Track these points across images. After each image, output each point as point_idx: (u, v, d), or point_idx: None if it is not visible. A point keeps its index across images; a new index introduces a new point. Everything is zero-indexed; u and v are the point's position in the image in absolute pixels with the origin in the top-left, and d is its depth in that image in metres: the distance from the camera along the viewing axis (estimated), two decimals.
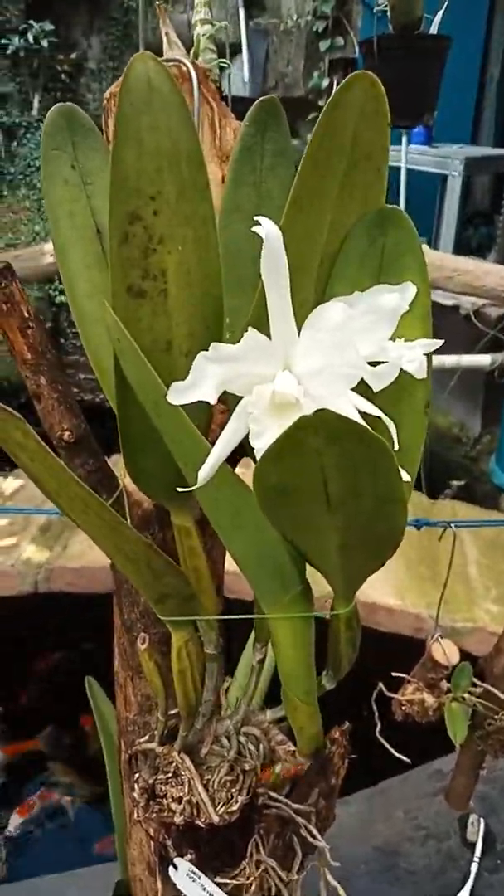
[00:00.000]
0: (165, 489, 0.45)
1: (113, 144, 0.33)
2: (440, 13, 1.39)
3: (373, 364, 0.35)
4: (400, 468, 0.31)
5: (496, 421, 2.28)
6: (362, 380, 0.34)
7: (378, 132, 0.36)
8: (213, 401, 0.32)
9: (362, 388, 0.34)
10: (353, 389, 0.34)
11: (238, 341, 0.42)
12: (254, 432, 0.32)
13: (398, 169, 2.89)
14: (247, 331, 0.46)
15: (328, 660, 0.48)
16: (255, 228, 0.34)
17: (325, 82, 2.98)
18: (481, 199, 3.13)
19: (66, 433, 0.45)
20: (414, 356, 0.36)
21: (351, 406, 0.34)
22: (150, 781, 0.53)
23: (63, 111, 0.41)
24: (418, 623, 1.67)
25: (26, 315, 0.43)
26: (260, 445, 0.32)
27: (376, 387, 0.32)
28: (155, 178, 0.34)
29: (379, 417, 0.35)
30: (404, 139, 2.87)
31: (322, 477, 0.30)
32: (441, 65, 1.46)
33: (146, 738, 0.56)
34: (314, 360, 0.34)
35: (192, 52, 0.68)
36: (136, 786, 0.54)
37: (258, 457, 0.32)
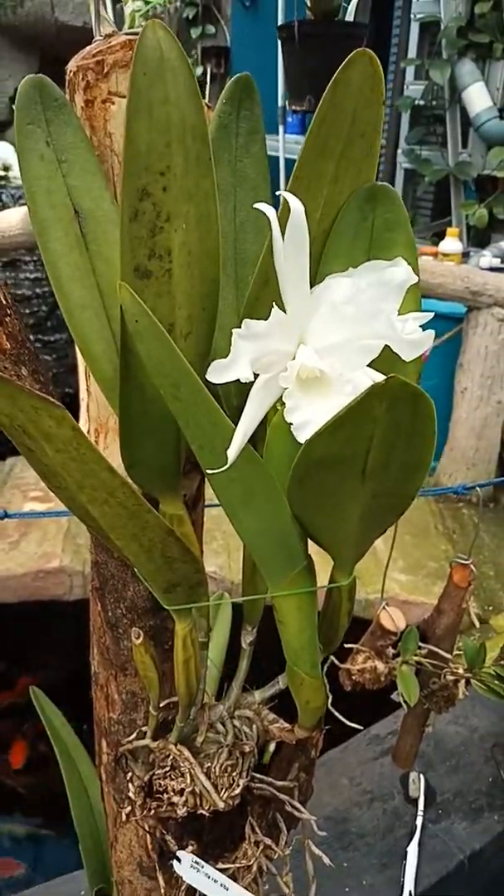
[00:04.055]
0: (160, 477, 0.44)
1: (126, 118, 0.32)
2: (355, 1, 1.42)
3: None
4: None
5: None
6: None
7: (374, 110, 0.36)
8: (250, 378, 0.31)
9: None
10: None
11: (221, 322, 0.42)
12: (288, 408, 0.32)
13: (277, 158, 2.94)
14: (231, 309, 0.45)
15: (322, 633, 0.49)
16: (258, 205, 0.34)
17: (199, 70, 2.97)
18: None
19: None
20: (412, 329, 0.37)
21: (368, 379, 0.35)
22: (146, 778, 0.52)
23: (35, 83, 0.39)
24: None
25: (3, 302, 0.40)
26: (297, 420, 0.32)
27: (408, 356, 0.33)
28: (164, 153, 0.33)
29: None
30: (281, 129, 2.92)
31: (367, 447, 0.31)
32: None
33: (134, 735, 0.54)
34: (332, 334, 0.34)
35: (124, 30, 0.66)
36: (130, 785, 0.53)
37: (296, 431, 0.32)
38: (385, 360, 0.35)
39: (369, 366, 0.35)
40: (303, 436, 0.32)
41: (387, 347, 0.35)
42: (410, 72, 2.84)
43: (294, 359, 0.34)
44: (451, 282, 2.13)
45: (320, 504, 0.37)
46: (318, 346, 0.34)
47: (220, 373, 0.31)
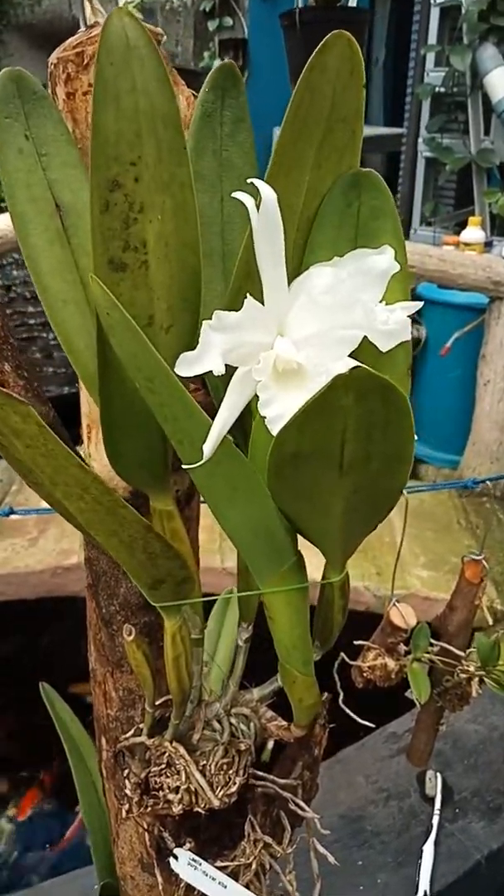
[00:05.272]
0: (147, 472, 0.43)
1: (93, 108, 0.31)
2: None
3: None
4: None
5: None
6: None
7: (353, 94, 0.35)
8: (221, 371, 0.31)
9: None
10: None
11: (209, 314, 0.41)
12: (262, 401, 0.31)
13: None
14: (220, 301, 0.45)
15: (316, 630, 0.48)
16: (236, 194, 0.33)
17: (217, 62, 2.95)
18: None
19: None
20: (397, 318, 0.36)
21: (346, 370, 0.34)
22: (143, 775, 0.52)
23: (13, 76, 0.39)
24: (355, 595, 1.72)
25: None
26: (270, 414, 0.31)
27: (385, 347, 0.32)
28: (134, 143, 0.32)
29: None
30: None
31: (341, 440, 0.30)
32: (361, 37, 1.47)
33: (131, 732, 0.54)
34: (310, 325, 0.34)
35: None
36: (126, 782, 0.53)
37: (270, 425, 0.31)
38: (374, 352, 0.34)
39: (357, 358, 0.34)
40: (277, 429, 0.31)
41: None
42: (431, 59, 2.79)
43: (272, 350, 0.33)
44: (473, 272, 2.09)
45: (301, 498, 0.36)
46: (295, 338, 0.34)
47: (190, 365, 0.31)
